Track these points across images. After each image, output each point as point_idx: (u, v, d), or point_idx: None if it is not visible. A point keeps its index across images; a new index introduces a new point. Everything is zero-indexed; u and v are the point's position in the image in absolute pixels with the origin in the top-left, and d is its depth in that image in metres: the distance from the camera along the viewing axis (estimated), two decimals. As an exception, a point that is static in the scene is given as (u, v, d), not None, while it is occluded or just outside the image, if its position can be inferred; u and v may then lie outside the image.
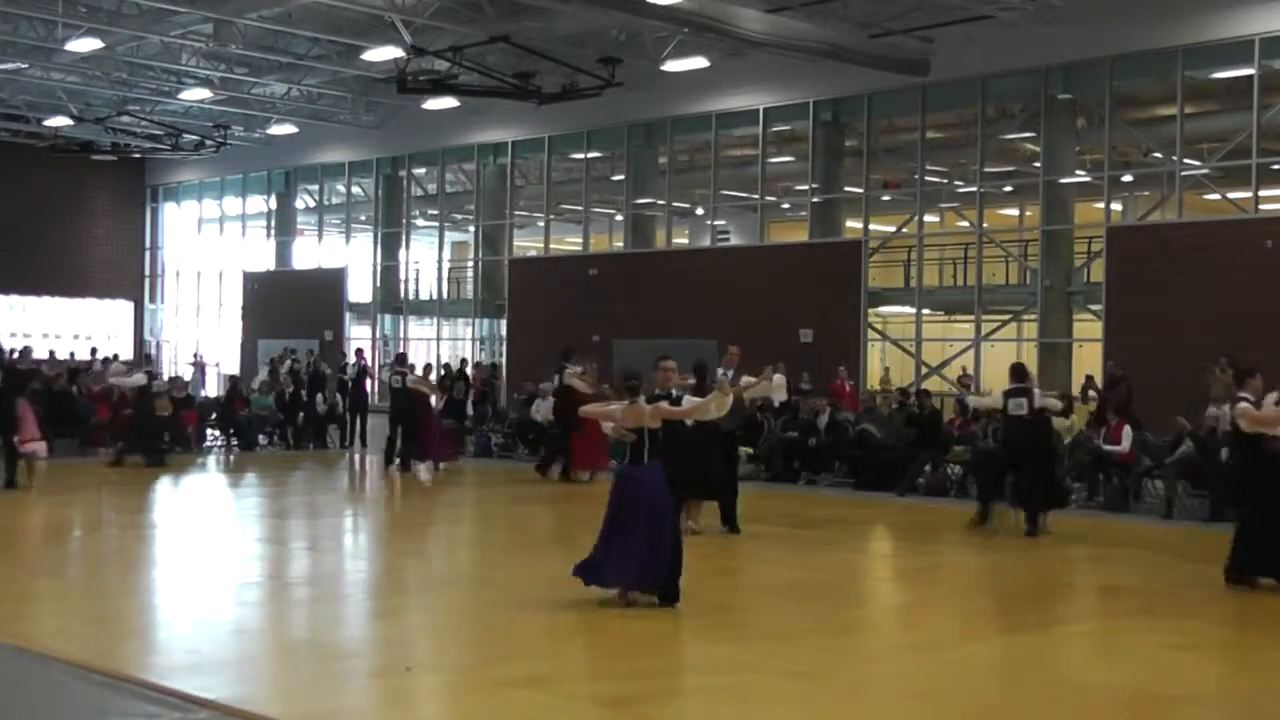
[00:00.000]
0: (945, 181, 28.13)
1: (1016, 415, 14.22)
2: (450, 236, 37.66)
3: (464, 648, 8.77)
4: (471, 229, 34.92)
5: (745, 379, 13.48)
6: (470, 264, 35.53)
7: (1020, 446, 14.24)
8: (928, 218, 27.10)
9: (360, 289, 36.52)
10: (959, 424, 18.84)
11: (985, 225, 26.13)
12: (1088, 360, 22.99)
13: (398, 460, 20.19)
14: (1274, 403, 11.42)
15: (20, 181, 37.10)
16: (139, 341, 40.67)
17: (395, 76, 25.67)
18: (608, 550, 9.53)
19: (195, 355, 35.04)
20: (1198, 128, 24.15)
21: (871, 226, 27.02)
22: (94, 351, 31.04)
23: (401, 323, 36.54)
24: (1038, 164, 24.84)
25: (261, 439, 24.36)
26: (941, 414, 19.61)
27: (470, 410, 24.69)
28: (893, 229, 27.94)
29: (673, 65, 25.36)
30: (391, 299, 36.05)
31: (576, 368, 19.13)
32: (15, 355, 17.56)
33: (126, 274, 41.24)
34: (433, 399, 21.58)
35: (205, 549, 12.91)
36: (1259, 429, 11.16)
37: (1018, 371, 14.75)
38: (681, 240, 34.94)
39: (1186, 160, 22.85)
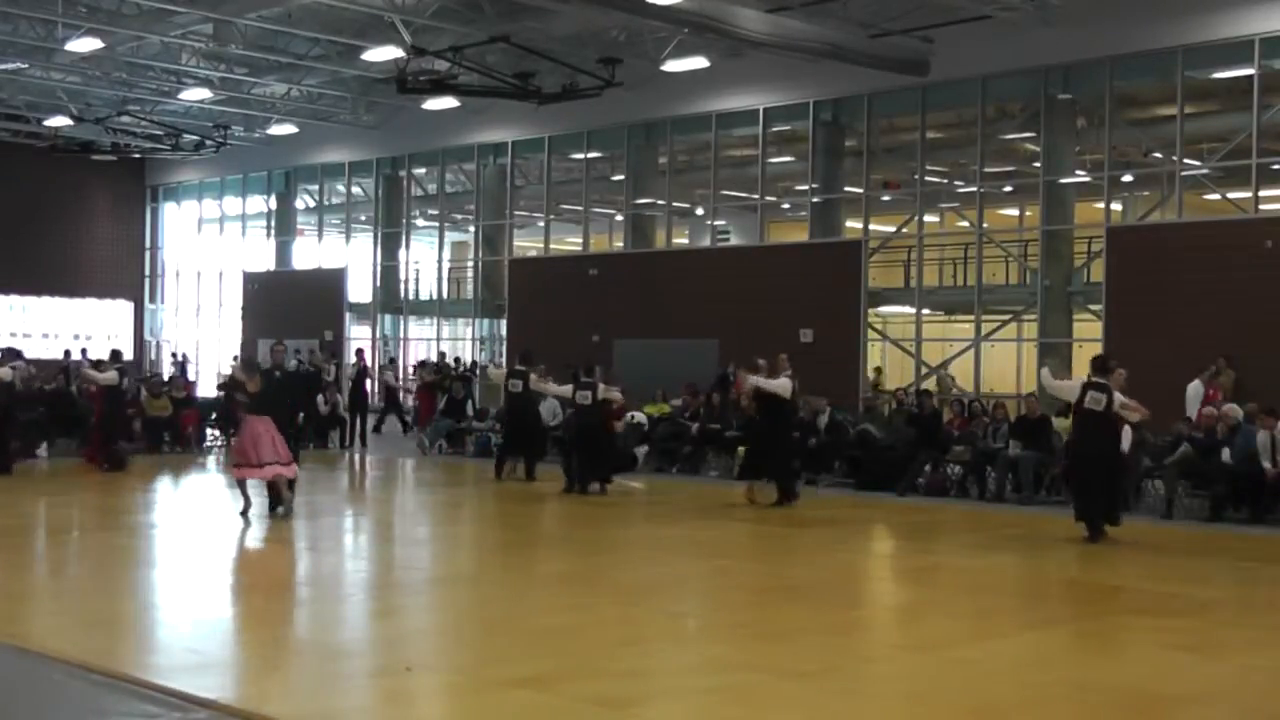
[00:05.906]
0: (945, 181, 28.11)
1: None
2: (450, 236, 37.65)
3: (464, 648, 8.76)
4: (471, 229, 34.91)
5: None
6: (470, 264, 35.52)
7: None
8: (928, 218, 27.08)
9: (360, 289, 36.49)
10: (959, 424, 18.85)
11: (985, 225, 26.11)
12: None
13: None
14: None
15: (20, 181, 37.10)
16: (139, 341, 40.66)
17: (395, 76, 25.64)
18: None
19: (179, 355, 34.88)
20: (1198, 128, 24.14)
21: (871, 226, 27.00)
22: (84, 352, 30.81)
23: (401, 323, 36.56)
24: (1038, 164, 24.82)
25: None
26: (941, 414, 19.61)
27: (465, 410, 24.74)
28: (893, 229, 27.92)
29: (673, 65, 25.34)
30: (391, 299, 36.05)
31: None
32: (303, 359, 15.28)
33: (126, 274, 41.23)
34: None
35: (205, 549, 12.91)
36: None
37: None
38: (681, 240, 34.94)
39: (1186, 160, 22.84)
